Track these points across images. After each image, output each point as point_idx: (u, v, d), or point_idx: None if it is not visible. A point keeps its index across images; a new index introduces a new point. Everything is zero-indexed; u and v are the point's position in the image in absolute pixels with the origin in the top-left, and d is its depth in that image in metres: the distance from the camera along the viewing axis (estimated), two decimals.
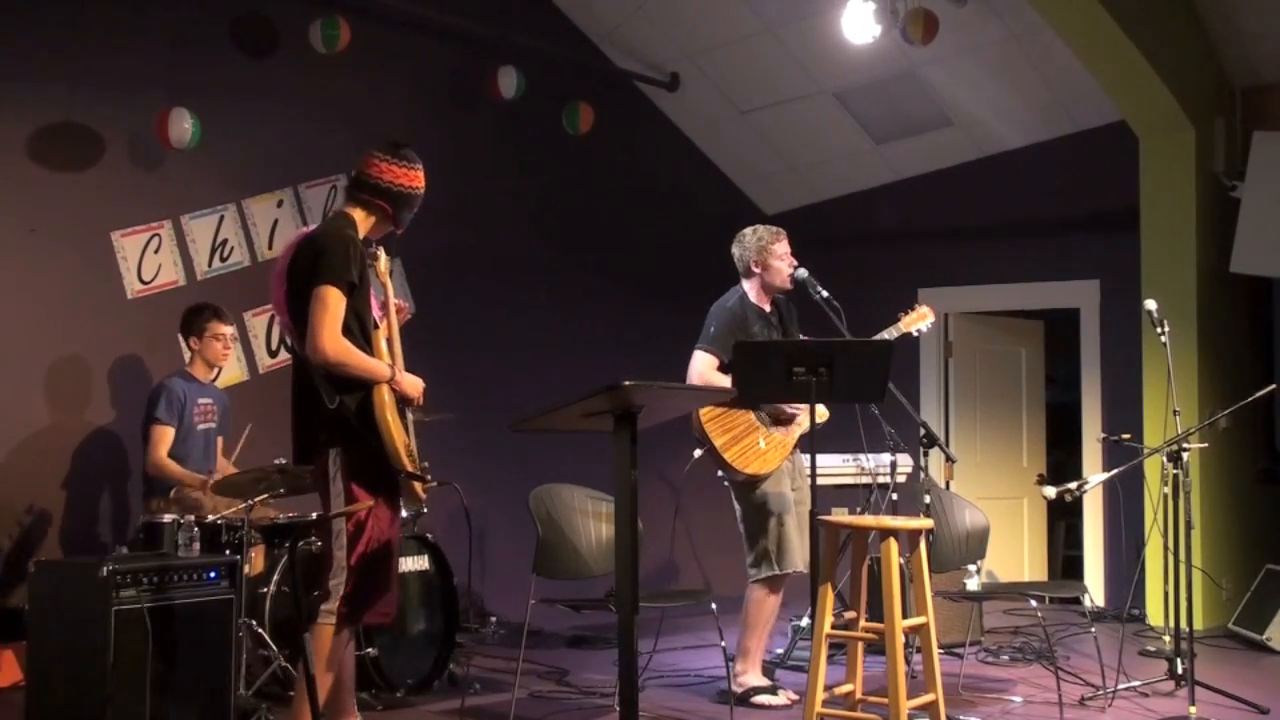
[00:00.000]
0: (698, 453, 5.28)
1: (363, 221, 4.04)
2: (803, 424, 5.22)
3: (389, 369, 3.94)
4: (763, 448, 5.18)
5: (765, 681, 5.26)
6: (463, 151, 7.40)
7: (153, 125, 6.00)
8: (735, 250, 5.45)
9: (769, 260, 5.36)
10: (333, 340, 3.79)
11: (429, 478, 4.03)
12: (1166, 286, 7.07)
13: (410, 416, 4.05)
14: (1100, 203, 8.05)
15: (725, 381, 5.11)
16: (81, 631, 4.14)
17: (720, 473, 5.30)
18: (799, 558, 5.18)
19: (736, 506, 5.32)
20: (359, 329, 3.92)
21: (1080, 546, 8.38)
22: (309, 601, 3.88)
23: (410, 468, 3.89)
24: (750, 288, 5.41)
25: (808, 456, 4.91)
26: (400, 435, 3.87)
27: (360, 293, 3.92)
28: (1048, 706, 5.09)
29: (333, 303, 3.80)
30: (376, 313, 4.10)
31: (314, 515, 4.71)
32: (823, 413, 5.24)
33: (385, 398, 3.87)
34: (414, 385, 4.02)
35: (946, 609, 6.17)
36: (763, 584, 5.23)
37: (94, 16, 6.00)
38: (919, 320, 5.50)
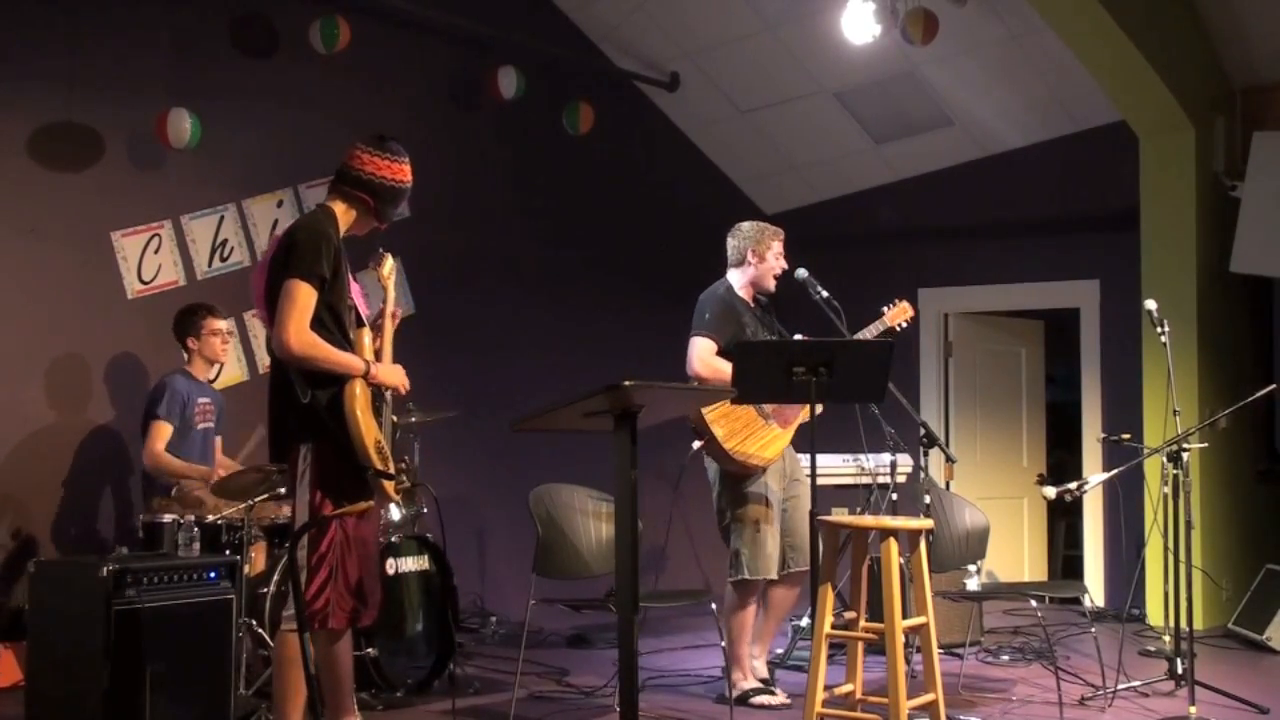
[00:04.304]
0: (696, 444, 5.23)
1: (343, 215, 3.96)
2: (802, 417, 5.23)
3: (364, 363, 3.85)
4: (763, 440, 5.17)
5: (764, 678, 5.27)
6: (463, 151, 7.41)
7: (153, 125, 6.00)
8: (731, 241, 5.44)
9: (765, 252, 5.35)
10: (298, 334, 3.71)
11: (403, 478, 3.94)
12: (1166, 286, 7.07)
13: (388, 415, 3.97)
14: (1100, 203, 8.05)
15: (726, 366, 5.07)
16: (81, 631, 4.13)
17: (709, 470, 5.29)
18: (772, 565, 5.17)
19: (716, 504, 5.28)
20: (334, 323, 3.84)
21: (1080, 546, 8.38)
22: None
23: (379, 465, 3.79)
24: (738, 281, 5.40)
25: (804, 457, 4.91)
26: (371, 432, 3.79)
27: (335, 287, 3.83)
28: (1048, 706, 5.09)
29: (300, 297, 3.72)
30: (365, 311, 4.07)
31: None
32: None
33: (357, 392, 3.78)
34: (393, 374, 3.94)
35: (946, 609, 6.16)
36: (733, 587, 5.21)
37: (94, 16, 6.00)
38: (901, 315, 5.46)
